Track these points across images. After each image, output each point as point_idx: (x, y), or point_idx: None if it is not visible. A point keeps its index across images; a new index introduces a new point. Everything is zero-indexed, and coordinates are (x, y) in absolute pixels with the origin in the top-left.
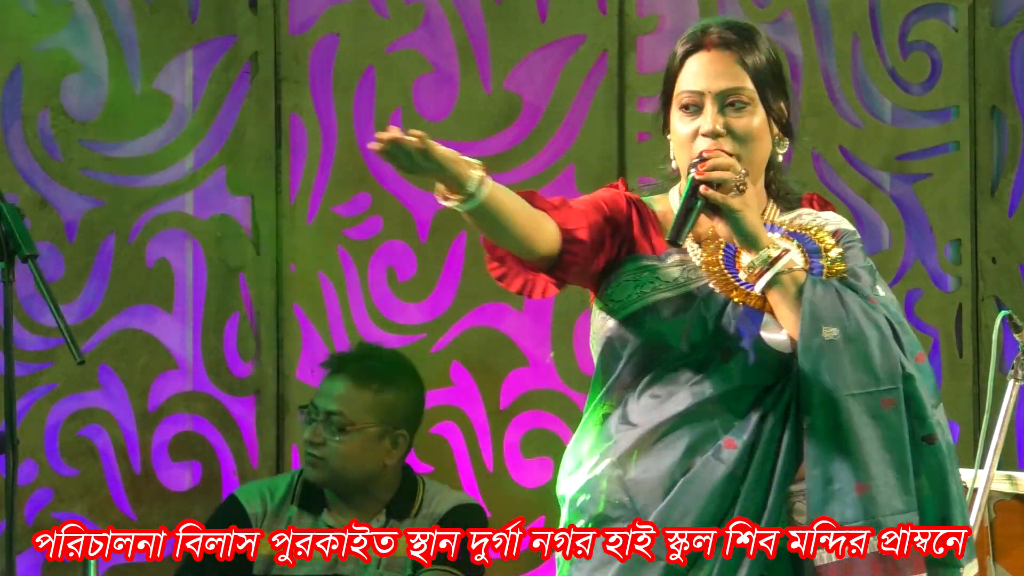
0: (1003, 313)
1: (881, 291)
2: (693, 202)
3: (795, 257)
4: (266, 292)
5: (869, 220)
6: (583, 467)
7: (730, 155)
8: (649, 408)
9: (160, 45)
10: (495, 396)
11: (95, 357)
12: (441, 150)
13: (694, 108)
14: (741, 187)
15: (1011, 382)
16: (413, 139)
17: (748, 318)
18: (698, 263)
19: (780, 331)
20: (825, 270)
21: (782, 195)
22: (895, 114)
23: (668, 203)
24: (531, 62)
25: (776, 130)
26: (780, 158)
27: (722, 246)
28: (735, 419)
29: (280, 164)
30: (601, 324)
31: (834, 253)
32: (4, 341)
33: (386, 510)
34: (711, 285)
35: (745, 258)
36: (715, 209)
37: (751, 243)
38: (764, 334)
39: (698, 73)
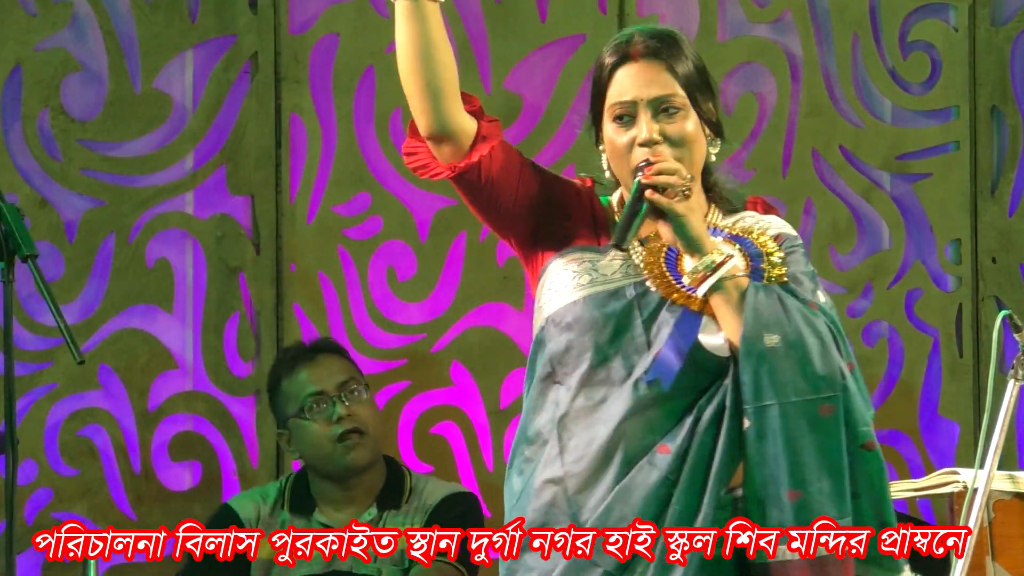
0: (1003, 313)
1: (822, 297)
2: (639, 206)
3: (737, 262)
4: (266, 292)
5: (869, 220)
6: (525, 470)
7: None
8: (586, 413)
9: (160, 45)
10: (495, 396)
11: (95, 357)
12: None
13: (627, 119)
14: (686, 192)
15: (1011, 382)
16: None
17: (686, 321)
18: (639, 262)
19: (718, 335)
20: (766, 274)
21: (723, 198)
22: (895, 114)
23: (614, 205)
24: (531, 62)
25: (708, 131)
26: (713, 158)
27: (665, 248)
28: (670, 423)
29: (280, 164)
30: (536, 315)
31: (775, 257)
32: (4, 341)
33: (376, 502)
34: (649, 284)
35: (687, 262)
36: (660, 213)
37: (695, 248)
38: (702, 337)
39: (629, 83)
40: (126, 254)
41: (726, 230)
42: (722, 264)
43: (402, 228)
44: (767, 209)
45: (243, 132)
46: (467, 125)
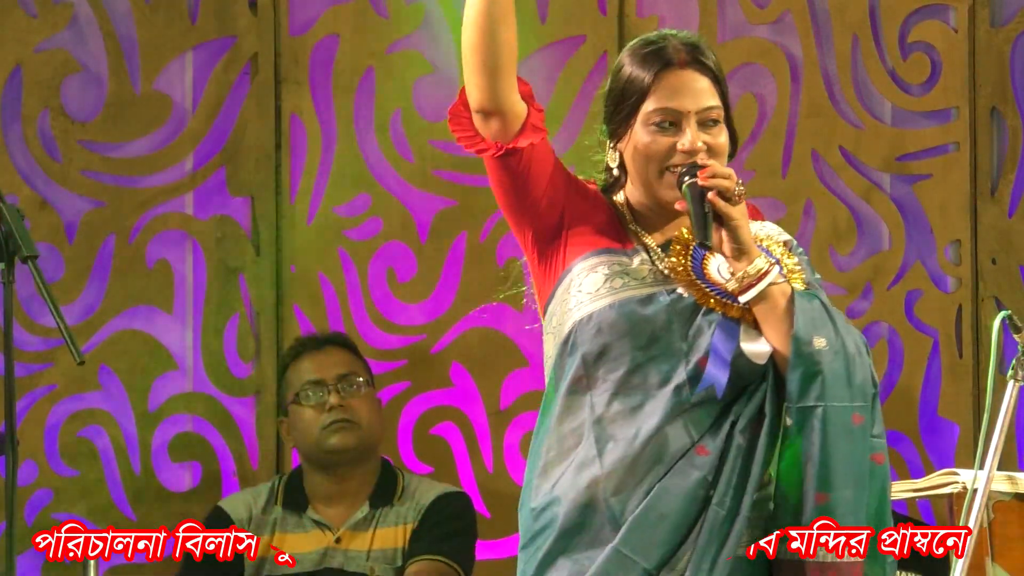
0: (1003, 314)
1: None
2: (705, 206)
3: (778, 268)
4: (266, 293)
5: (869, 220)
6: (551, 472)
7: None
8: (623, 417)
9: (160, 45)
10: (495, 396)
11: (95, 357)
12: None
13: (670, 125)
14: (739, 197)
15: (1011, 382)
16: None
17: (726, 328)
18: (662, 267)
19: (759, 341)
20: (785, 280)
21: None
22: (895, 115)
23: (623, 205)
24: (531, 62)
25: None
26: None
27: (689, 253)
28: (706, 426)
29: (280, 165)
30: (562, 317)
31: (791, 263)
32: (4, 341)
33: (368, 500)
34: (681, 290)
35: (713, 268)
36: (714, 217)
37: (744, 253)
38: (744, 344)
39: (676, 91)
40: (126, 255)
41: None
42: (769, 271)
43: (402, 229)
44: (756, 214)
45: (243, 133)
46: (518, 106)
